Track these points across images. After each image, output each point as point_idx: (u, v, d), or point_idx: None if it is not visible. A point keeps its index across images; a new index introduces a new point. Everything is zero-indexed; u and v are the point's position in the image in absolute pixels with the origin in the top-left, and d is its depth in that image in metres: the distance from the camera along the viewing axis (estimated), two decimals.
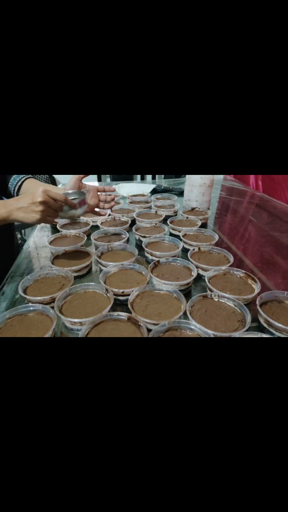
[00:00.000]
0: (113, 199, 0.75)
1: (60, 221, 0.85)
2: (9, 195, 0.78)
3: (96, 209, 0.76)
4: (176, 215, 0.96)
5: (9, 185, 0.78)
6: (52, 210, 0.57)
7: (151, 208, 0.97)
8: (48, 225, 0.92)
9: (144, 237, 0.76)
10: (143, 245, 0.71)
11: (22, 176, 0.78)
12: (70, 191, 0.67)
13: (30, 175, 0.80)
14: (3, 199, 0.71)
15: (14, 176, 0.77)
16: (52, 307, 0.49)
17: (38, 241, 0.82)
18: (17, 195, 0.77)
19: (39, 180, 0.82)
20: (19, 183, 0.76)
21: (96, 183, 1.41)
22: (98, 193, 0.74)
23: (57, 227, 0.83)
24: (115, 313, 0.49)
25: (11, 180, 0.77)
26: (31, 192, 0.55)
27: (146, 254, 0.70)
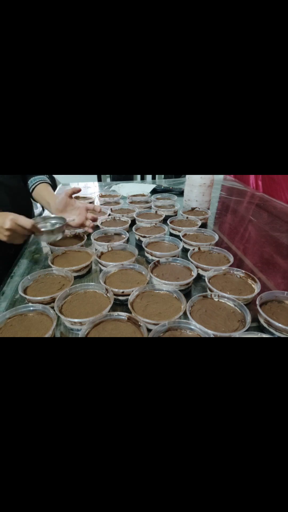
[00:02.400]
0: (94, 220, 0.77)
1: None
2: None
3: (82, 225, 0.77)
4: (176, 215, 0.96)
5: (27, 185, 0.84)
6: (19, 234, 0.62)
7: (151, 208, 0.97)
8: None
9: (144, 237, 0.76)
10: (143, 245, 0.71)
11: (36, 180, 0.83)
12: (52, 215, 0.73)
13: (43, 180, 0.85)
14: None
15: (31, 179, 0.84)
16: (52, 307, 0.49)
17: (38, 241, 0.82)
18: (32, 197, 0.85)
19: (39, 180, 0.83)
20: (33, 187, 0.83)
21: (96, 184, 1.41)
22: (87, 211, 0.77)
23: None
24: (115, 313, 0.49)
25: (30, 181, 0.84)
26: (2, 216, 0.60)
27: (146, 254, 0.70)
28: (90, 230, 0.76)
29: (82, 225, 0.75)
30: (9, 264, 0.72)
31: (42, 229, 0.66)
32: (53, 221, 0.73)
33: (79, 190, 0.77)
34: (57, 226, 0.70)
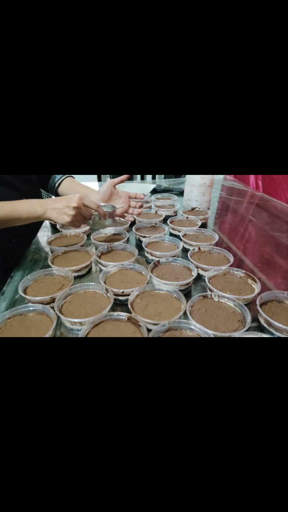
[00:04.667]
0: (141, 206, 0.78)
1: None
2: (49, 190, 0.85)
3: (125, 214, 0.78)
4: (176, 215, 0.96)
5: (49, 184, 0.83)
6: (82, 216, 0.63)
7: (151, 208, 0.97)
8: (48, 225, 0.92)
9: (144, 237, 0.76)
10: (143, 245, 0.71)
11: (61, 176, 0.83)
12: (102, 204, 0.71)
13: (68, 175, 0.84)
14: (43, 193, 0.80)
15: (52, 177, 0.83)
16: (52, 307, 0.49)
17: (38, 241, 0.82)
18: (56, 193, 0.83)
19: (64, 176, 0.84)
20: (59, 181, 0.82)
21: (96, 183, 1.41)
22: (130, 199, 0.78)
23: (57, 227, 0.83)
24: (115, 313, 0.49)
25: (51, 178, 0.83)
26: (69, 196, 0.62)
27: (146, 254, 0.70)
28: (131, 219, 0.77)
29: (123, 215, 0.76)
30: (9, 263, 0.72)
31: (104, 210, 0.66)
32: (104, 209, 0.70)
33: (126, 179, 0.77)
34: (113, 209, 0.70)
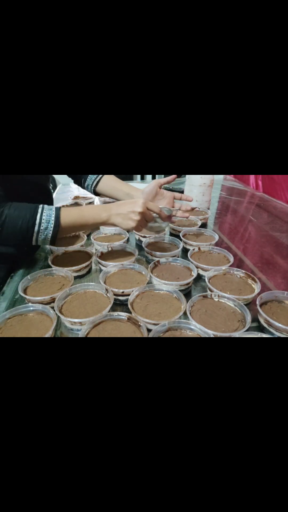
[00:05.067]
0: (188, 210, 0.76)
1: None
2: (86, 188, 0.81)
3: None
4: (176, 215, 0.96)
5: (86, 182, 0.80)
6: (145, 220, 0.62)
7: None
8: None
9: (144, 237, 0.76)
10: (143, 245, 0.71)
11: (97, 175, 0.79)
12: (160, 206, 0.69)
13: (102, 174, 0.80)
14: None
15: (89, 176, 0.80)
16: (52, 307, 0.49)
17: None
18: (94, 192, 0.80)
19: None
20: (97, 179, 0.78)
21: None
22: (174, 200, 0.77)
23: None
24: (115, 313, 0.49)
25: (87, 179, 0.79)
26: (132, 201, 0.61)
27: (146, 254, 0.70)
28: (175, 220, 0.75)
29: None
30: (13, 267, 0.71)
31: (165, 212, 0.65)
32: (164, 211, 0.68)
33: (173, 179, 0.76)
34: (170, 212, 0.68)
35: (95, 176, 0.79)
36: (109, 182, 0.79)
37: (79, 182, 0.83)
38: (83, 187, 0.83)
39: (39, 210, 0.56)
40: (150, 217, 0.63)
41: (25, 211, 0.55)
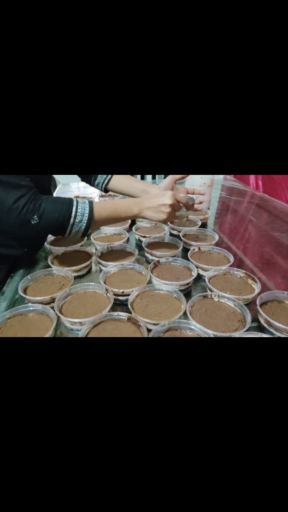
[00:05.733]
0: (201, 202, 0.79)
1: None
2: (96, 186, 0.82)
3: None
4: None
5: (97, 180, 0.81)
6: (174, 211, 0.65)
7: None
8: None
9: (144, 237, 0.76)
10: (143, 245, 0.71)
11: (107, 175, 0.80)
12: (183, 195, 0.71)
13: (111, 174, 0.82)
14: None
15: (98, 175, 0.81)
16: (52, 307, 0.49)
17: None
18: (105, 189, 0.82)
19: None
20: (108, 177, 0.80)
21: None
22: (188, 194, 0.79)
23: None
24: (115, 313, 0.49)
25: (98, 177, 0.81)
26: (161, 194, 0.64)
27: (146, 254, 0.70)
28: (197, 208, 0.78)
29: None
30: (13, 268, 0.71)
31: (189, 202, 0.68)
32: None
33: (186, 176, 0.79)
34: (192, 201, 0.71)
35: (105, 176, 0.80)
36: (122, 179, 0.80)
37: (88, 180, 0.83)
38: (92, 185, 0.83)
39: (74, 203, 0.57)
40: (178, 208, 0.65)
41: (61, 204, 0.56)
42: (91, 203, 0.59)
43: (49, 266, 0.64)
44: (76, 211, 0.57)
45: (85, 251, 0.70)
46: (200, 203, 0.79)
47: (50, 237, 0.76)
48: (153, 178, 1.98)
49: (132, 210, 0.63)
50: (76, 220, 0.57)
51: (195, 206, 0.76)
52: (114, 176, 0.80)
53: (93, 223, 0.59)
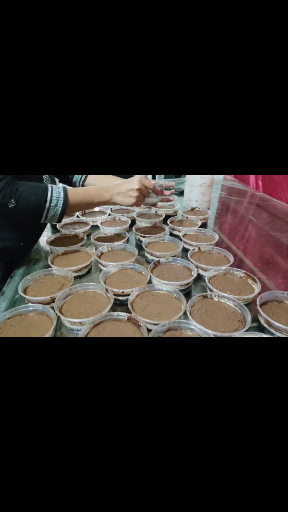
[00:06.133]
0: (172, 186, 0.86)
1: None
2: (73, 185, 0.90)
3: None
4: (176, 215, 0.96)
5: (74, 178, 0.88)
6: (142, 195, 0.69)
7: (151, 208, 0.97)
8: (48, 226, 0.92)
9: (144, 237, 0.76)
10: (143, 245, 0.71)
11: (81, 175, 0.87)
12: (152, 181, 0.76)
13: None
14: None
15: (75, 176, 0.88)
16: (52, 307, 0.49)
17: (38, 241, 0.82)
18: (83, 186, 0.87)
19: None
20: (84, 176, 0.87)
21: None
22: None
23: (57, 227, 0.83)
24: (115, 313, 0.49)
25: (75, 176, 0.88)
26: (129, 180, 0.68)
27: (146, 254, 0.70)
28: (165, 194, 0.84)
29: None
30: (12, 266, 0.72)
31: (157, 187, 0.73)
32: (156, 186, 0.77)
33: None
34: (161, 187, 0.77)
35: (80, 176, 0.87)
36: (97, 176, 0.86)
37: (65, 179, 0.89)
38: (70, 184, 0.88)
39: (49, 188, 0.60)
40: (146, 192, 0.69)
41: (37, 188, 0.59)
42: (65, 188, 0.62)
43: (49, 266, 0.63)
44: (51, 195, 0.59)
45: (85, 251, 0.70)
46: (171, 194, 0.86)
47: (50, 237, 0.76)
48: (153, 178, 1.98)
49: (104, 196, 0.67)
50: (52, 204, 0.59)
51: (167, 196, 0.83)
52: (88, 176, 0.86)
53: (68, 207, 0.62)
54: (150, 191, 0.71)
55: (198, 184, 0.94)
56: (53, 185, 0.61)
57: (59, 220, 0.63)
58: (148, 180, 0.70)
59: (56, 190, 0.61)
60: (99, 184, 0.83)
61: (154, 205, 0.81)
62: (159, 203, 0.89)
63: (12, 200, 0.55)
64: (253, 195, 1.24)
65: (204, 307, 0.52)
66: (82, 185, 0.87)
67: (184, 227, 0.81)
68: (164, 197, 0.86)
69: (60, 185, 0.62)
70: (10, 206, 0.55)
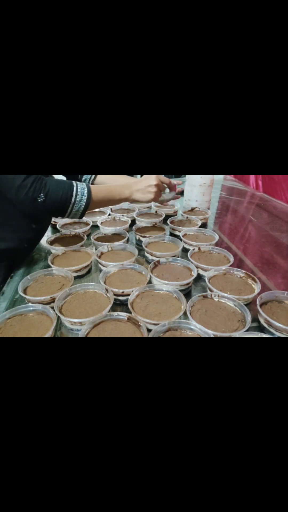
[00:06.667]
0: (180, 191, 0.90)
1: (60, 221, 0.85)
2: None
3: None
4: (176, 215, 0.96)
5: (84, 177, 0.89)
6: (159, 191, 0.72)
7: (151, 208, 0.97)
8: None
9: (144, 237, 0.76)
10: (143, 245, 0.71)
11: (90, 175, 0.88)
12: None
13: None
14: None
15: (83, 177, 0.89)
16: (52, 307, 0.49)
17: None
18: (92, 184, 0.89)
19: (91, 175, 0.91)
20: (93, 176, 0.88)
21: None
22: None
23: (57, 227, 0.83)
24: (115, 313, 0.49)
25: (84, 176, 0.89)
26: (146, 177, 0.72)
27: (146, 254, 0.70)
28: (178, 190, 0.85)
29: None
30: (13, 266, 0.72)
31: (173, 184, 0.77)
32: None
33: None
34: (175, 182, 0.79)
35: (89, 176, 0.87)
36: (107, 176, 0.87)
37: (75, 178, 0.89)
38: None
39: (75, 184, 0.62)
40: (163, 188, 0.73)
41: (63, 184, 0.61)
42: (88, 185, 0.64)
43: (49, 266, 0.64)
44: (76, 191, 0.61)
45: (85, 251, 0.70)
46: (180, 192, 0.88)
47: (50, 237, 0.76)
48: None
49: (124, 193, 0.69)
50: (77, 199, 0.61)
51: (177, 194, 0.84)
52: (97, 176, 0.87)
53: (91, 203, 0.64)
54: (166, 187, 0.75)
55: (198, 184, 0.95)
56: (78, 182, 0.63)
57: (81, 216, 0.65)
58: (164, 177, 0.73)
59: (80, 186, 0.63)
60: (109, 183, 0.85)
61: (167, 202, 0.84)
62: (171, 202, 0.91)
63: (42, 194, 0.57)
64: (253, 195, 1.24)
65: (204, 307, 0.52)
66: (92, 184, 0.87)
67: (184, 227, 0.81)
68: (176, 195, 0.88)
69: (84, 183, 0.64)
70: (39, 200, 0.57)
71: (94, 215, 0.94)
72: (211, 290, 0.55)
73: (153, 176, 0.71)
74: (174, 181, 0.85)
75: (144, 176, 0.73)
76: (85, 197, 0.62)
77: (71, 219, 0.88)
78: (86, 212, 0.64)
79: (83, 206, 0.63)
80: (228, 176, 1.51)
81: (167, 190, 0.79)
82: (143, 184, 0.70)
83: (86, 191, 0.63)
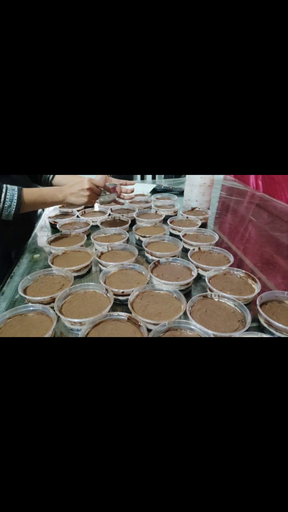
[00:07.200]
0: (132, 191, 0.89)
1: (60, 221, 0.85)
2: (43, 184, 0.95)
3: (117, 199, 0.88)
4: (176, 215, 0.96)
5: (43, 177, 0.93)
6: (94, 194, 0.75)
7: (151, 208, 0.97)
8: (48, 226, 0.92)
9: (144, 237, 0.76)
10: (143, 245, 0.71)
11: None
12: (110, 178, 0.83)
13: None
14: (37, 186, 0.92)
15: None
16: (52, 307, 0.49)
17: (38, 241, 0.82)
18: (51, 184, 0.93)
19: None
20: (52, 176, 0.93)
21: None
22: (121, 186, 0.88)
23: (57, 227, 0.83)
24: (115, 313, 0.49)
25: (43, 176, 0.93)
26: (79, 181, 0.73)
27: (146, 254, 0.70)
28: (128, 197, 0.89)
29: (116, 200, 0.88)
30: (9, 262, 0.72)
31: (108, 185, 0.79)
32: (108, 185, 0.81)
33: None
34: (114, 185, 0.82)
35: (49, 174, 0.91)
36: (65, 176, 0.91)
37: (36, 178, 0.93)
38: (40, 183, 0.93)
39: (3, 190, 0.64)
40: (97, 191, 0.75)
41: None
42: (19, 189, 0.66)
43: (49, 266, 0.64)
44: (5, 197, 0.63)
45: (85, 251, 0.70)
46: (132, 191, 0.89)
47: (50, 237, 0.76)
48: (153, 178, 1.98)
49: (58, 196, 0.72)
50: (5, 206, 0.64)
51: (124, 194, 0.87)
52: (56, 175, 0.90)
53: (22, 208, 0.66)
54: (103, 190, 0.77)
55: (198, 184, 0.95)
56: (9, 186, 0.65)
57: (14, 218, 0.66)
58: (97, 180, 0.75)
59: (10, 192, 0.64)
60: (65, 183, 0.88)
61: (108, 203, 0.87)
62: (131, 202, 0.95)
63: None
64: (253, 195, 1.24)
65: (204, 307, 0.52)
66: (50, 184, 0.92)
67: (184, 227, 0.81)
68: (130, 196, 0.90)
69: (16, 187, 0.66)
70: None
71: (94, 215, 0.94)
72: (211, 290, 0.55)
73: (86, 179, 0.73)
74: (122, 181, 0.88)
75: (77, 179, 0.74)
76: (14, 203, 0.64)
77: (69, 220, 0.88)
78: (19, 213, 0.66)
79: (13, 211, 0.65)
80: (228, 176, 1.51)
81: (107, 192, 0.80)
82: (76, 188, 0.72)
83: (15, 197, 0.64)
